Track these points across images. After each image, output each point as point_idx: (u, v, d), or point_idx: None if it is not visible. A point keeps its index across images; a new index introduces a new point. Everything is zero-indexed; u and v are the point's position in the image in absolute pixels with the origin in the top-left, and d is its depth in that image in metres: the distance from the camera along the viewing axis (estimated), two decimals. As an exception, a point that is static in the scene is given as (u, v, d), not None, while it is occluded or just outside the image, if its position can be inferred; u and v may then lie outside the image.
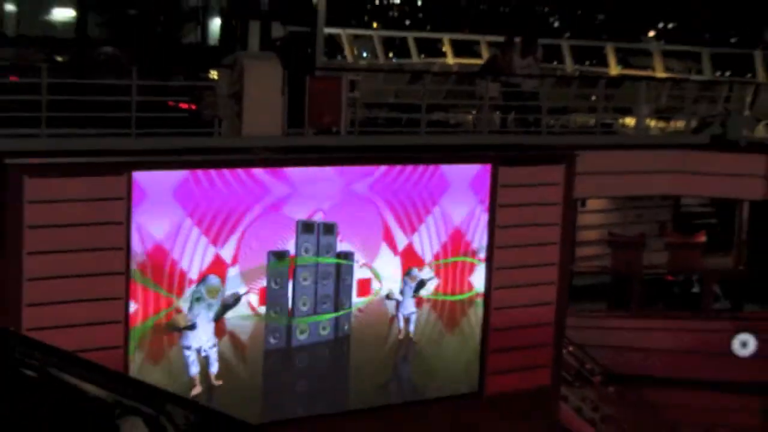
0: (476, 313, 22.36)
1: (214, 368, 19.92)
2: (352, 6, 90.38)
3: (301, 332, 20.58)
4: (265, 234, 19.93)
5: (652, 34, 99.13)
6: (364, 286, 21.08)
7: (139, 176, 18.63)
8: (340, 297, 20.81)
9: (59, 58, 22.36)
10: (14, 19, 22.64)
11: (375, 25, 78.39)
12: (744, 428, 26.55)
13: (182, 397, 4.41)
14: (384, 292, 21.23)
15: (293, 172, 20.28)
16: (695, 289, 27.64)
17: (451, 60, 38.87)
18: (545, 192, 22.76)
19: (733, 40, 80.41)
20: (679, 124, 27.84)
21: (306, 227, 20.20)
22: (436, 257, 21.81)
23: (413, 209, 21.42)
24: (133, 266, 18.58)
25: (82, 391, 4.37)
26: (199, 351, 19.66)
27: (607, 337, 26.25)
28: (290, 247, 20.21)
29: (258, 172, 19.80)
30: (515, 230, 22.52)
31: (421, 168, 21.51)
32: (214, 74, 21.85)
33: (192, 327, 19.38)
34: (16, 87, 20.62)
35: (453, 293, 22.07)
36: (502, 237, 22.33)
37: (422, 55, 40.39)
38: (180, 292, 19.13)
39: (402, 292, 21.43)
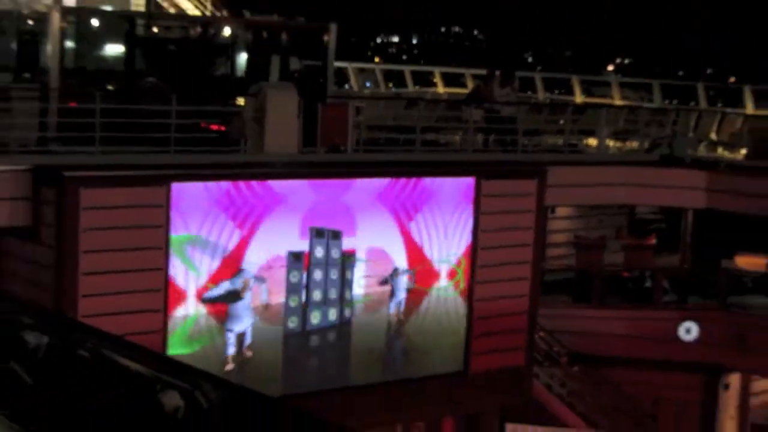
0: (456, 303, 22.46)
1: (248, 341, 20.14)
2: (358, 44, 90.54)
3: (314, 317, 20.68)
4: (282, 236, 20.03)
5: (611, 68, 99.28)
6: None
7: (177, 186, 18.73)
8: (344, 289, 20.90)
9: (110, 87, 22.37)
10: (73, 54, 22.64)
11: (377, 59, 78.42)
12: (687, 401, 26.56)
13: (213, 375, 4.45)
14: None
15: (306, 183, 20.38)
16: (647, 284, 27.62)
17: (441, 89, 38.85)
18: (521, 201, 22.81)
19: (680, 74, 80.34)
20: (634, 144, 27.89)
21: (318, 233, 20.32)
22: (425, 255, 21.88)
23: (410, 215, 21.47)
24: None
25: (128, 368, 4.41)
26: (238, 333, 19.91)
27: (572, 324, 26.26)
28: (305, 247, 20.35)
29: (276, 183, 19.92)
30: (495, 233, 22.53)
31: (414, 180, 21.57)
32: (241, 101, 21.90)
33: (233, 312, 19.71)
34: (74, 111, 20.68)
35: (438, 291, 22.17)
36: (484, 239, 22.36)
37: (417, 85, 40.38)
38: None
39: (394, 285, 21.51)
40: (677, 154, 26.87)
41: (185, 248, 18.86)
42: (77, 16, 24.26)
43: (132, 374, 4.33)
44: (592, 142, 27.63)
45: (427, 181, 21.71)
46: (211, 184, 19.18)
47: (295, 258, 20.21)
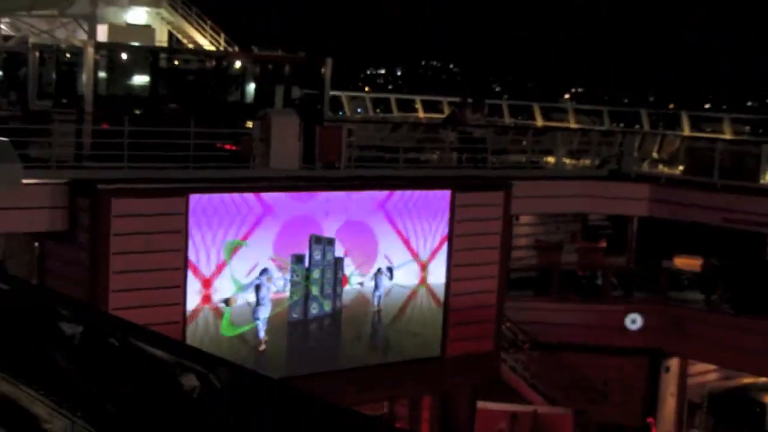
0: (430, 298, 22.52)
1: (262, 333, 20.30)
2: (350, 75, 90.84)
3: (313, 308, 20.70)
4: (288, 241, 20.07)
5: (567, 96, 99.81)
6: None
7: (195, 198, 18.74)
8: (336, 285, 20.94)
9: (137, 111, 22.34)
10: (105, 82, 22.61)
11: (366, 89, 78.52)
12: (633, 382, 26.61)
13: (225, 360, 4.44)
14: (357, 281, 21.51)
15: (308, 195, 20.43)
16: (598, 281, 27.65)
17: (421, 114, 38.84)
18: (489, 211, 22.83)
19: (625, 101, 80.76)
20: (586, 161, 27.91)
21: (316, 239, 20.43)
22: (408, 256, 21.91)
23: (393, 222, 21.50)
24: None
25: (152, 354, 4.39)
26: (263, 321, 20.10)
27: (534, 315, 26.26)
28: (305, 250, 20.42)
29: (279, 195, 19.98)
30: (468, 238, 22.56)
31: (399, 192, 21.60)
32: (250, 124, 21.88)
33: (259, 303, 19.91)
34: (106, 132, 20.69)
35: (419, 287, 22.18)
36: (458, 243, 22.37)
37: (400, 111, 40.35)
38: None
39: (376, 282, 21.52)
40: (624, 170, 26.95)
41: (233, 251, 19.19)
42: (108, 51, 24.26)
43: (155, 359, 4.31)
44: (551, 159, 27.65)
45: (410, 193, 21.78)
46: (225, 195, 19.23)
47: (297, 259, 20.30)
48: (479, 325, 22.88)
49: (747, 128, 34.22)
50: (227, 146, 21.76)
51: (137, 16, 39.20)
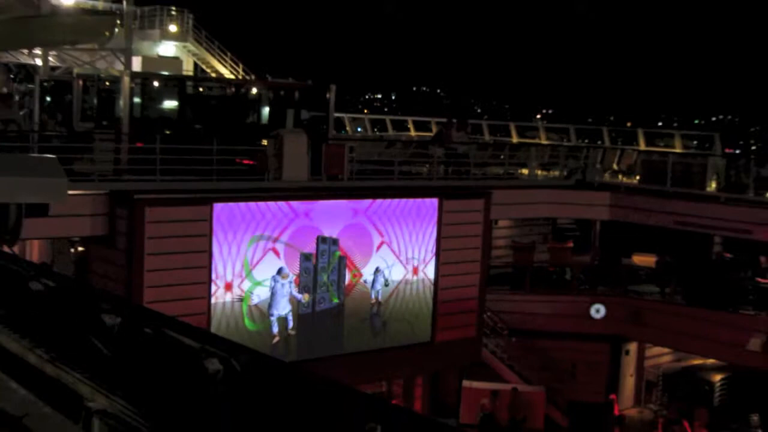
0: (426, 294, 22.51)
1: (291, 325, 20.24)
2: (351, 99, 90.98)
3: (320, 302, 20.67)
4: (298, 241, 20.06)
5: (538, 116, 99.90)
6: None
7: (218, 207, 18.76)
8: (339, 281, 20.91)
9: (167, 131, 22.35)
10: (139, 106, 22.65)
11: (365, 111, 78.54)
12: (597, 363, 26.60)
13: (244, 346, 4.43)
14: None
15: (314, 203, 20.45)
16: (567, 276, 27.66)
17: (413, 133, 38.86)
18: (472, 216, 22.86)
19: (589, 120, 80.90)
20: (556, 172, 27.91)
21: (323, 240, 20.41)
22: (401, 254, 21.92)
23: (391, 224, 21.51)
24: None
25: (181, 342, 4.39)
26: (279, 316, 20.08)
27: (510, 306, 26.25)
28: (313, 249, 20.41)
29: (292, 202, 19.99)
30: (453, 239, 22.58)
31: (395, 201, 21.62)
32: (265, 142, 21.90)
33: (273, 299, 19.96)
34: (140, 149, 20.69)
35: (412, 282, 22.18)
36: (446, 243, 22.39)
37: (395, 130, 40.39)
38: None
39: (374, 279, 21.52)
40: (588, 180, 26.97)
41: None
42: (142, 79, 24.29)
43: (183, 346, 4.30)
44: (525, 171, 27.65)
45: (404, 201, 21.80)
46: (243, 204, 19.26)
47: (306, 258, 20.27)
48: (463, 314, 22.90)
49: (694, 143, 34.30)
50: (245, 161, 21.77)
51: (167, 49, 39.22)
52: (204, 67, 39.24)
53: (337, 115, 28.56)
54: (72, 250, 21.06)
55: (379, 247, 21.40)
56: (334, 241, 20.59)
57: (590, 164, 27.64)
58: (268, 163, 20.91)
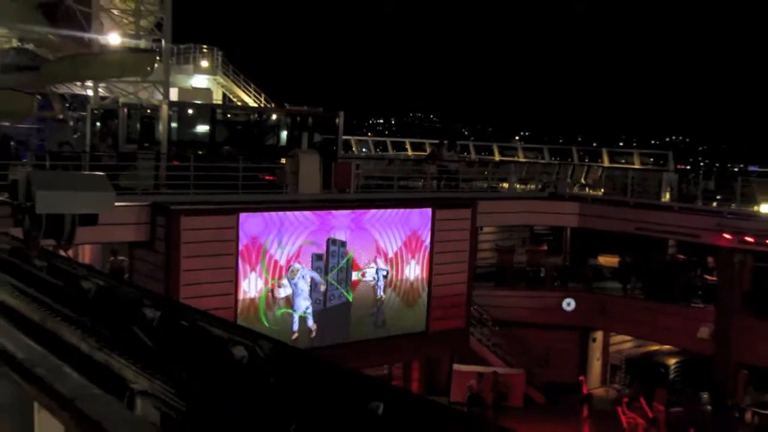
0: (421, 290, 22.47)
1: (310, 322, 20.19)
2: (357, 124, 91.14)
3: (330, 299, 20.63)
4: (312, 245, 20.06)
5: (517, 137, 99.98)
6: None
7: (243, 216, 18.76)
8: (348, 280, 20.86)
9: (200, 152, 22.39)
10: (176, 130, 22.66)
11: (369, 134, 78.75)
12: (568, 350, 26.58)
13: (266, 335, 4.42)
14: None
15: (326, 212, 20.43)
16: (542, 275, 27.65)
17: (410, 153, 38.96)
18: (461, 223, 22.85)
19: (560, 140, 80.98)
20: (532, 186, 27.93)
21: (332, 242, 20.36)
22: (401, 256, 21.89)
23: (392, 231, 21.50)
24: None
25: (211, 332, 4.38)
26: (299, 313, 20.02)
27: (494, 300, 26.24)
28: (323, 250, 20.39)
29: (306, 213, 19.99)
30: (445, 243, 22.56)
31: (395, 211, 21.61)
32: (283, 161, 21.93)
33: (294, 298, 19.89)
34: (177, 167, 20.71)
35: (410, 280, 22.15)
36: (438, 247, 22.37)
37: (394, 150, 40.45)
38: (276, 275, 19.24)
39: (377, 278, 21.46)
40: (560, 192, 26.99)
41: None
42: (178, 107, 24.32)
43: (214, 336, 4.30)
44: (506, 185, 27.67)
45: (403, 211, 21.80)
46: (265, 213, 19.25)
47: (317, 258, 20.24)
48: (454, 308, 22.86)
49: (651, 160, 34.24)
50: (267, 177, 21.80)
51: (200, 81, 39.33)
52: (231, 96, 39.34)
53: (344, 137, 28.55)
54: (111, 258, 21.05)
55: (380, 250, 21.38)
56: (343, 243, 20.57)
57: (561, 179, 27.69)
58: (286, 179, 20.94)
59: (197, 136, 23.40)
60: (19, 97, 28.65)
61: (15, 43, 33.94)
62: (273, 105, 38.82)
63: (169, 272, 17.76)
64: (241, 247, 18.67)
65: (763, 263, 24.09)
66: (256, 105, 38.09)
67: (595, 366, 27.46)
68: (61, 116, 32.03)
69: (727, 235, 22.74)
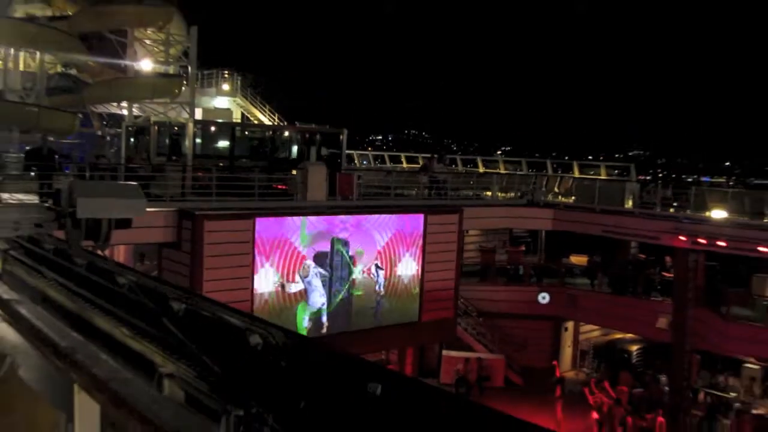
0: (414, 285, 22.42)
1: (324, 318, 20.19)
2: (359, 140, 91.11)
3: (336, 293, 20.57)
4: (318, 243, 20.00)
5: (498, 152, 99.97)
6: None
7: (259, 220, 18.72)
8: (350, 275, 20.81)
9: (221, 164, 22.37)
10: (200, 145, 22.65)
11: (369, 149, 78.52)
12: (543, 337, 26.57)
13: (279, 326, 4.41)
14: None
15: (331, 217, 20.39)
16: (520, 272, 27.64)
17: (405, 165, 38.95)
18: (449, 227, 22.80)
19: (536, 155, 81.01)
20: (511, 194, 27.92)
21: (337, 240, 20.30)
22: (397, 256, 21.86)
23: (389, 233, 21.47)
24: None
25: (230, 322, 4.37)
26: (314, 309, 19.92)
27: (479, 294, 26.24)
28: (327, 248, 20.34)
29: (314, 217, 19.95)
30: (435, 244, 22.51)
31: (392, 216, 21.59)
32: (294, 172, 21.90)
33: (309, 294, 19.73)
34: (200, 178, 20.68)
35: (404, 276, 22.10)
36: (429, 248, 22.34)
37: (391, 163, 40.47)
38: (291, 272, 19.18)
39: (377, 274, 21.41)
40: (536, 200, 26.95)
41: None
42: (202, 125, 24.33)
43: (232, 325, 4.29)
44: (488, 193, 27.65)
45: (399, 216, 21.76)
46: (278, 218, 19.21)
47: (323, 256, 20.17)
48: (443, 301, 22.81)
49: (615, 171, 34.26)
50: (279, 186, 21.78)
51: (221, 102, 39.33)
52: (248, 115, 39.35)
53: (348, 151, 28.57)
54: (139, 263, 21.00)
55: (379, 250, 21.34)
56: (345, 243, 20.51)
57: (537, 188, 27.67)
58: (297, 188, 20.91)
59: (218, 150, 23.39)
60: (63, 116, 28.64)
61: (60, 68, 33.95)
62: (285, 123, 38.83)
63: (194, 269, 17.72)
64: (256, 248, 18.61)
65: (713, 262, 24.15)
66: (270, 123, 38.10)
67: (567, 352, 27.45)
68: (99, 132, 32.03)
69: (682, 237, 22.76)
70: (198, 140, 22.48)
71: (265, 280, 18.90)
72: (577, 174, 32.00)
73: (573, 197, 27.46)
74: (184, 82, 30.37)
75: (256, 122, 37.96)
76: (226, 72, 39.70)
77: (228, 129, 24.49)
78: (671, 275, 24.40)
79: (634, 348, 26.18)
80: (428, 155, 29.87)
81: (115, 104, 32.14)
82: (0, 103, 27.93)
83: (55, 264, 6.45)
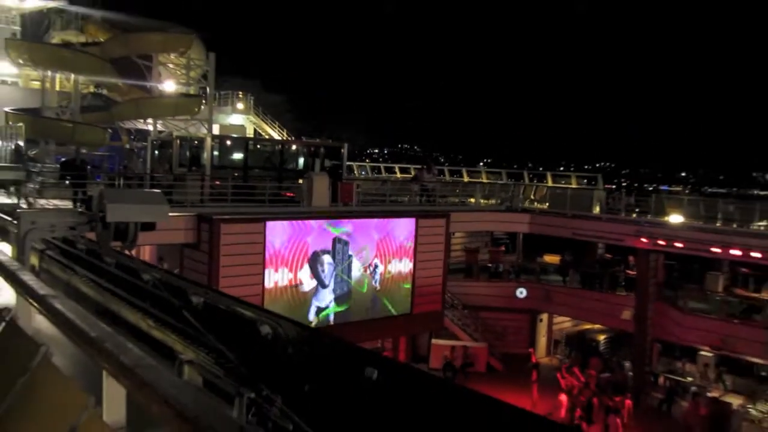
0: (407, 281, 22.34)
1: (332, 318, 20.00)
2: (358, 153, 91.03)
3: (336, 290, 20.46)
4: (320, 242, 19.91)
5: (481, 163, 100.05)
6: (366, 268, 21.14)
7: (269, 223, 18.66)
8: (350, 271, 20.75)
9: (236, 174, 22.31)
10: (217, 158, 22.59)
11: (367, 160, 78.52)
12: (520, 328, 26.53)
13: (289, 318, 4.39)
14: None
15: (334, 221, 20.32)
16: (500, 269, 27.63)
17: (398, 175, 38.92)
18: (438, 230, 22.72)
19: (515, 166, 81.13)
20: (493, 201, 27.92)
21: (338, 240, 20.22)
22: (391, 255, 21.80)
23: (384, 235, 21.43)
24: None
25: (243, 314, 4.35)
26: (321, 304, 19.74)
27: (464, 289, 26.18)
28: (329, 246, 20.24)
29: (317, 221, 19.88)
30: (425, 245, 22.44)
31: (387, 220, 21.55)
32: (300, 181, 21.86)
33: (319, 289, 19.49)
34: (218, 186, 20.62)
35: (397, 273, 22.04)
36: (420, 248, 22.29)
37: (386, 173, 40.46)
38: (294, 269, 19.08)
39: (375, 271, 21.33)
40: (514, 206, 26.93)
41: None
42: (219, 139, 24.27)
43: (245, 317, 4.26)
44: (472, 200, 27.66)
45: (394, 220, 21.71)
46: (286, 222, 19.13)
47: (326, 253, 20.03)
48: (432, 295, 22.75)
49: (585, 181, 34.32)
50: (287, 194, 21.73)
51: (236, 119, 39.32)
52: (260, 131, 39.35)
53: (348, 163, 28.56)
54: (157, 266, 20.88)
55: (376, 249, 21.28)
56: (346, 242, 20.43)
57: (515, 195, 27.66)
58: (303, 195, 20.87)
59: (233, 162, 23.34)
60: (94, 131, 28.61)
61: (92, 89, 33.90)
62: (293, 138, 38.82)
63: (211, 267, 17.65)
64: (266, 248, 18.52)
65: (671, 261, 24.20)
66: (279, 138, 38.08)
67: (542, 341, 27.43)
68: (127, 146, 31.97)
69: (644, 239, 22.80)
70: (215, 153, 22.43)
71: (275, 277, 18.82)
72: (550, 183, 32.03)
73: (547, 203, 27.48)
74: (203, 102, 30.40)
75: (267, 137, 37.95)
76: (240, 93, 39.76)
77: (242, 143, 24.45)
78: (634, 273, 24.43)
79: (602, 337, 26.19)
80: (419, 166, 29.87)
81: (141, 121, 32.11)
82: (39, 120, 27.90)
83: (87, 262, 6.41)
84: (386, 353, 23.15)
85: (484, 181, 33.49)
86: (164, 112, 30.19)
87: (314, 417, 2.67)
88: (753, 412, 19.95)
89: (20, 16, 35.81)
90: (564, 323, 27.94)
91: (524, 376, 22.71)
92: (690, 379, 22.58)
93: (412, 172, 34.48)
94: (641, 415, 21.16)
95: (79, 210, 6.52)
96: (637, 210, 25.29)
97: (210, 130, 25.87)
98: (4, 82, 34.70)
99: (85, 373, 3.32)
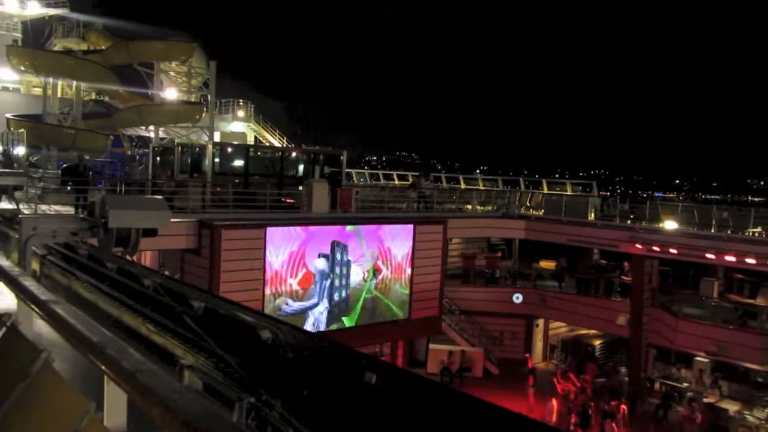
0: (405, 287, 22.29)
1: (323, 326, 19.86)
2: (357, 160, 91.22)
3: (336, 295, 20.41)
4: (320, 245, 19.86)
5: (478, 171, 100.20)
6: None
7: (269, 229, 18.63)
8: (348, 278, 20.68)
9: (236, 180, 22.31)
10: (218, 164, 22.58)
11: (365, 167, 78.60)
12: (516, 332, 26.48)
13: (288, 323, 4.37)
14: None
15: (332, 227, 20.30)
16: (497, 275, 27.62)
17: (396, 182, 38.94)
18: (435, 236, 22.73)
19: (510, 173, 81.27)
20: (489, 207, 27.93)
21: (336, 243, 20.16)
22: (390, 261, 21.77)
23: (383, 241, 21.40)
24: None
25: (244, 319, 4.33)
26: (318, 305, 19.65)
27: (461, 295, 26.17)
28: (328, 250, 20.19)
29: (317, 226, 19.85)
30: (424, 251, 22.46)
31: (385, 226, 21.53)
32: (300, 188, 21.86)
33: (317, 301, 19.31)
34: (219, 192, 20.61)
35: (396, 279, 21.98)
36: (418, 254, 22.28)
37: (385, 180, 40.47)
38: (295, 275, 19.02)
39: (373, 277, 21.28)
40: (510, 212, 26.96)
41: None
42: (220, 146, 24.26)
43: (245, 322, 4.25)
44: (469, 206, 27.67)
45: (392, 226, 21.69)
46: (286, 227, 19.10)
47: (323, 257, 19.97)
48: (430, 300, 22.73)
49: (579, 188, 34.36)
50: (287, 200, 21.72)
51: (237, 126, 39.33)
52: (261, 138, 39.38)
53: (347, 170, 28.58)
54: (160, 270, 20.84)
55: (375, 255, 21.24)
56: (345, 246, 20.40)
57: (511, 202, 27.69)
58: (303, 201, 20.87)
59: (234, 169, 23.35)
60: (96, 137, 28.61)
61: (94, 96, 33.92)
62: (293, 145, 38.85)
63: (212, 272, 17.62)
64: (267, 254, 18.49)
65: (666, 267, 24.21)
66: (279, 145, 38.11)
67: (538, 346, 27.40)
68: (129, 152, 31.96)
69: (638, 245, 22.82)
70: (216, 160, 22.44)
71: (274, 282, 18.77)
72: (545, 190, 32.07)
73: (542, 210, 27.51)
74: (205, 109, 30.42)
75: (267, 144, 37.98)
76: (241, 101, 39.80)
77: (243, 150, 24.46)
78: (629, 279, 24.44)
79: (597, 342, 26.16)
80: (417, 174, 29.91)
81: (143, 128, 32.11)
82: (41, 126, 27.89)
83: (88, 268, 6.39)
84: (384, 358, 23.08)
85: (481, 188, 33.50)
86: (166, 120, 30.19)
87: (314, 421, 2.66)
88: (750, 418, 19.90)
89: (22, 24, 35.89)
90: (560, 328, 27.90)
91: (521, 381, 22.65)
92: (686, 384, 22.53)
93: (410, 180, 34.51)
94: (637, 420, 21.10)
95: (81, 216, 6.51)
96: (631, 216, 25.31)
97: (211, 137, 25.89)
98: (5, 89, 34.74)
99: (86, 377, 3.30)
